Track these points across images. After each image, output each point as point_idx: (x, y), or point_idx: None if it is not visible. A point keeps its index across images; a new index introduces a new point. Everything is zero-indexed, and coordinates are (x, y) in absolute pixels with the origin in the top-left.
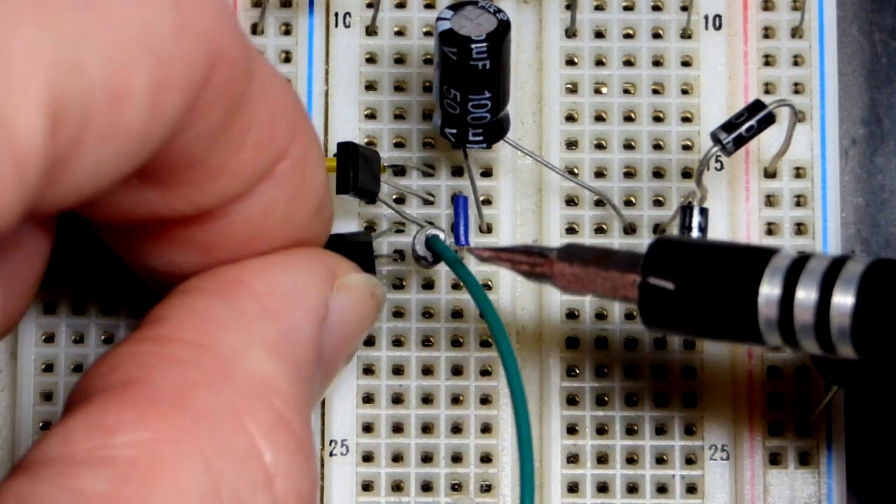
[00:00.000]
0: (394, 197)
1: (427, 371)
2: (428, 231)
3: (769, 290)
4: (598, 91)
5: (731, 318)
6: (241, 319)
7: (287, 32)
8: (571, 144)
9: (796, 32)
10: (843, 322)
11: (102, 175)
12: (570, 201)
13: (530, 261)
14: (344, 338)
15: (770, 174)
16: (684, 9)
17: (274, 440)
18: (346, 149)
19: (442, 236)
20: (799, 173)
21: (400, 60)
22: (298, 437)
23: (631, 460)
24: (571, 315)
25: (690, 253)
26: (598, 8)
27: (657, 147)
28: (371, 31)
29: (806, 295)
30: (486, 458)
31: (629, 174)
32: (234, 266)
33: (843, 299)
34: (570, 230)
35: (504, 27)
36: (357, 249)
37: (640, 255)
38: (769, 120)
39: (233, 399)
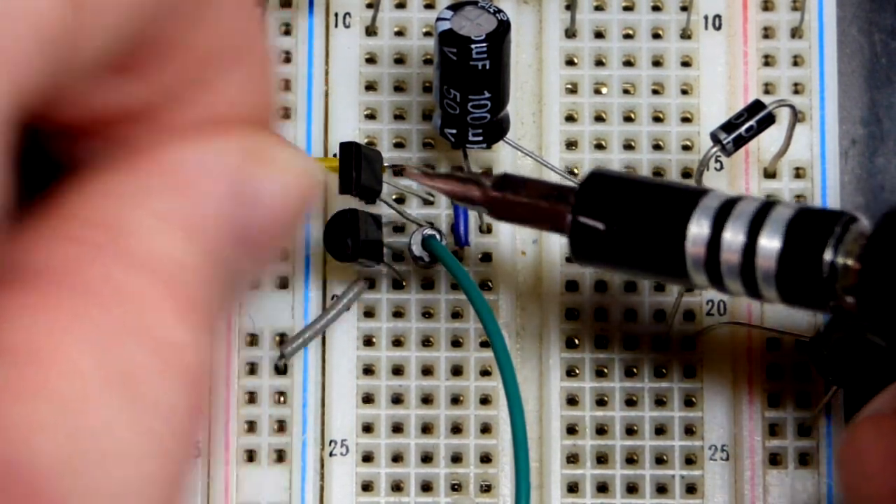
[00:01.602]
0: (394, 197)
1: (427, 371)
2: (424, 231)
3: (697, 230)
4: (598, 91)
5: (659, 256)
6: (141, 194)
7: (287, 32)
8: (571, 144)
9: (796, 32)
10: (768, 265)
11: (105, 48)
12: None
13: (465, 187)
14: (273, 216)
15: (770, 174)
16: (684, 9)
17: (178, 318)
18: (348, 149)
19: (438, 236)
20: (799, 173)
21: (400, 60)
22: (203, 314)
23: (631, 460)
24: (571, 315)
25: (622, 190)
26: (598, 8)
27: (657, 147)
28: (371, 31)
29: (733, 236)
30: (485, 458)
31: None
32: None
33: (770, 242)
34: None
35: (504, 27)
36: (367, 246)
37: (573, 189)
38: (769, 120)
39: (131, 276)
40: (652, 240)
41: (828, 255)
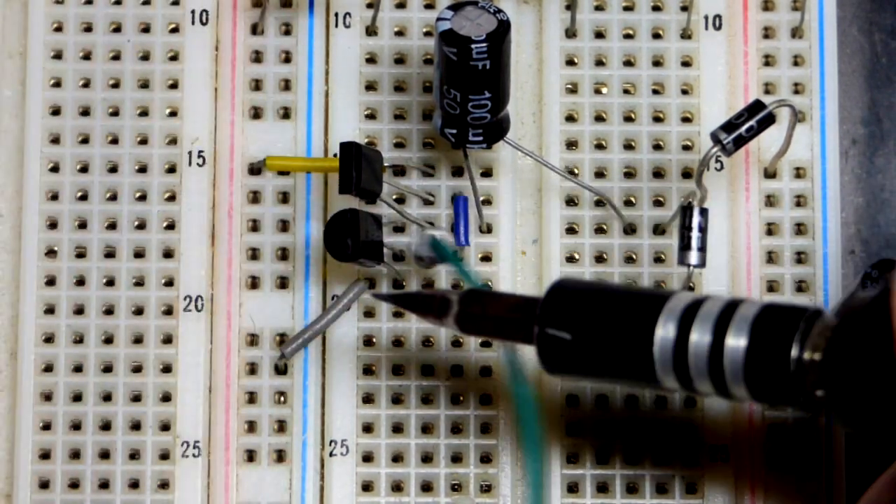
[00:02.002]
0: (394, 197)
1: (427, 372)
2: (428, 231)
3: (664, 332)
4: (598, 91)
5: (627, 362)
6: None
7: (287, 32)
8: (571, 144)
9: (796, 32)
10: (736, 364)
11: None
12: (571, 201)
13: (433, 308)
14: None
15: (770, 174)
16: (684, 9)
17: None
18: (348, 149)
19: (442, 236)
20: (799, 173)
21: (400, 60)
22: None
23: (631, 460)
24: None
25: (586, 298)
26: (598, 8)
27: (657, 147)
28: (371, 31)
29: (700, 337)
30: (485, 459)
31: (629, 174)
32: None
33: (736, 342)
34: (570, 230)
35: (504, 27)
36: (368, 246)
37: (537, 301)
38: (769, 120)
39: None
40: (619, 346)
41: (794, 352)
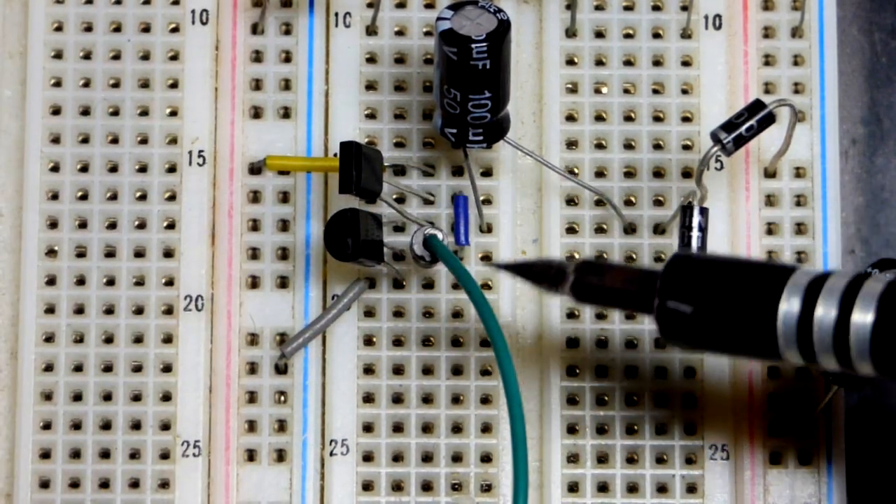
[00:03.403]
0: (394, 196)
1: (427, 371)
2: (426, 230)
3: (788, 307)
4: (598, 91)
5: (750, 336)
6: None
7: (287, 32)
8: (571, 144)
9: (796, 32)
10: (862, 340)
11: None
12: (570, 201)
13: (549, 277)
14: None
15: (770, 174)
16: (684, 9)
17: None
18: (348, 148)
19: (440, 236)
20: (799, 173)
21: (400, 60)
22: None
23: (631, 460)
24: (572, 315)
25: (707, 271)
26: (598, 8)
27: (657, 147)
28: (371, 31)
29: (825, 312)
30: (486, 458)
31: (629, 174)
32: None
33: (863, 317)
34: (570, 230)
35: (504, 27)
36: (368, 245)
37: (656, 274)
38: (769, 120)
39: None
40: (742, 320)
41: None
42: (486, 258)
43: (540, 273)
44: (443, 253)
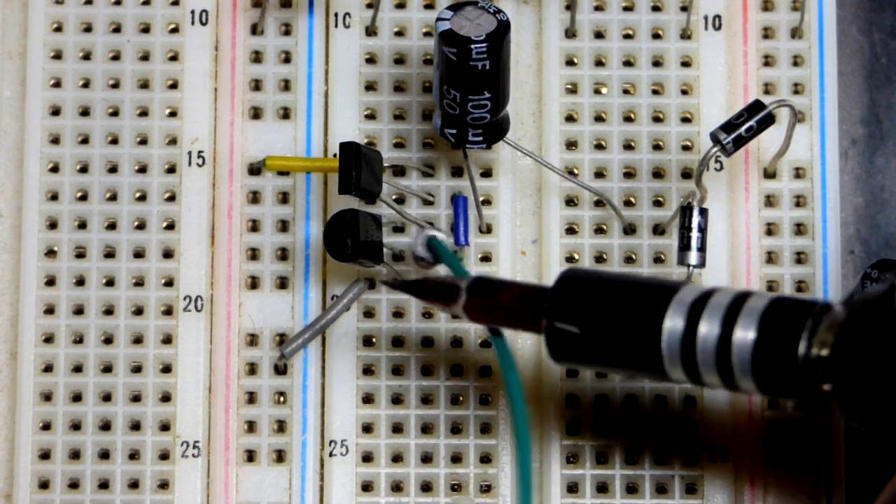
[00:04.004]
0: (394, 197)
1: (426, 372)
2: (427, 232)
3: (672, 325)
4: (598, 91)
5: (636, 355)
6: None
7: (287, 32)
8: (571, 144)
9: (796, 32)
10: (744, 357)
11: None
12: (570, 201)
13: (442, 294)
14: None
15: (770, 174)
16: (684, 9)
17: None
18: (348, 149)
19: (441, 237)
20: (799, 173)
21: (400, 61)
22: None
23: (631, 460)
24: None
25: (594, 291)
26: (598, 8)
27: (657, 147)
28: (371, 31)
29: (708, 329)
30: (485, 459)
31: (629, 174)
32: None
33: (745, 334)
34: (570, 230)
35: (504, 27)
36: (368, 246)
37: (546, 292)
38: (769, 120)
39: None
40: (628, 338)
41: (802, 347)
42: (486, 259)
43: (433, 290)
44: (445, 255)
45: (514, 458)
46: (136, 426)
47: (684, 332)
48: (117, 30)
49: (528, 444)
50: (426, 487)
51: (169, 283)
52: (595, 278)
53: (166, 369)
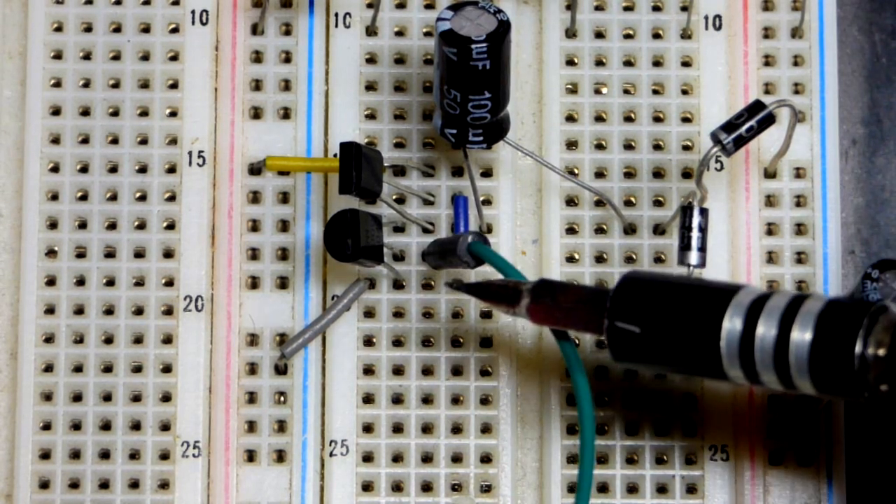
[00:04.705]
0: (394, 197)
1: (427, 372)
2: (469, 237)
3: (731, 326)
4: (598, 91)
5: (695, 355)
6: None
7: (287, 32)
8: (571, 144)
9: (796, 32)
10: (801, 357)
11: None
12: (570, 201)
13: (506, 297)
14: None
15: (770, 174)
16: (684, 9)
17: None
18: (348, 149)
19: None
20: (799, 173)
21: (400, 61)
22: None
23: (631, 460)
24: None
25: (655, 292)
26: (598, 8)
27: (657, 147)
28: (371, 31)
29: (766, 331)
30: (486, 459)
31: (629, 174)
32: None
33: (802, 335)
34: (570, 230)
35: (504, 28)
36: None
37: (607, 294)
38: (769, 120)
39: None
40: (687, 339)
41: (858, 347)
42: None
43: (496, 293)
44: (496, 260)
45: (581, 459)
46: (136, 426)
47: (742, 333)
48: (117, 30)
49: (593, 447)
50: (426, 487)
51: (169, 283)
52: (656, 280)
53: (166, 369)
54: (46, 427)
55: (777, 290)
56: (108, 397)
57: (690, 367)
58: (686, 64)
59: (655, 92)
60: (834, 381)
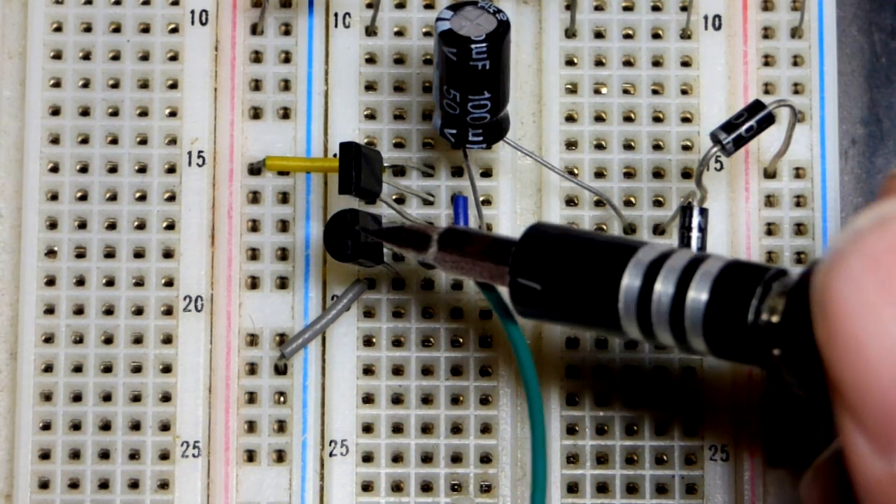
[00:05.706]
0: (394, 197)
1: (427, 371)
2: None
3: (629, 282)
4: (597, 91)
5: (594, 311)
6: None
7: (287, 32)
8: (571, 144)
9: (796, 32)
10: (696, 317)
11: None
12: (570, 201)
13: (415, 242)
14: None
15: (770, 174)
16: (684, 9)
17: None
18: (348, 149)
19: None
20: (799, 173)
21: (400, 61)
22: None
23: (631, 460)
24: None
25: (558, 247)
26: (598, 8)
27: (657, 147)
28: (371, 31)
29: (663, 288)
30: (485, 459)
31: (629, 174)
32: None
33: (698, 295)
34: None
35: (504, 27)
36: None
37: (511, 246)
38: (769, 120)
39: None
40: (587, 294)
41: (752, 310)
42: None
43: (407, 238)
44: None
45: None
46: (136, 426)
47: (640, 290)
48: (117, 30)
49: (540, 397)
50: (426, 487)
51: (169, 283)
52: (558, 235)
53: (166, 369)
54: (46, 427)
55: (679, 249)
56: (107, 397)
57: (590, 323)
58: (686, 64)
59: (655, 92)
60: (728, 344)
